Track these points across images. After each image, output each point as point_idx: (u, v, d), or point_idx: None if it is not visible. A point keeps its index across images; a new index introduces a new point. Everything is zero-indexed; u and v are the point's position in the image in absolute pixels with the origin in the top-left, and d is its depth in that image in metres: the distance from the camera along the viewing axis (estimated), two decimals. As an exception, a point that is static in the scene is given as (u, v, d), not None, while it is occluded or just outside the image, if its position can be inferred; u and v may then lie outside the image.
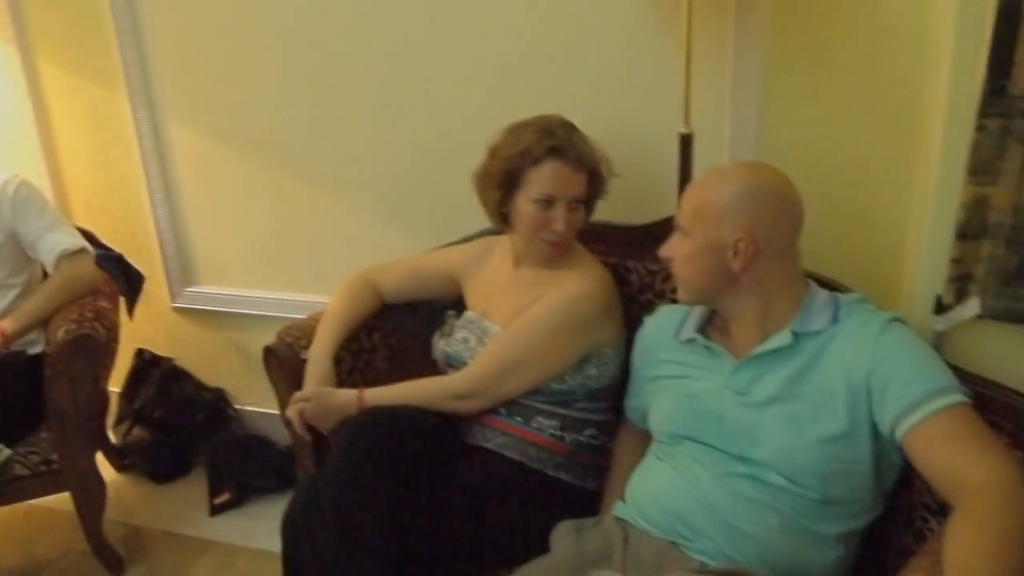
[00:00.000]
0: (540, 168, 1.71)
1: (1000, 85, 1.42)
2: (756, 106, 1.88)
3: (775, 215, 1.46)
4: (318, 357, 1.87)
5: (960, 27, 1.44)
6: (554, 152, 1.71)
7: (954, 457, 1.28)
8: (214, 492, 2.57)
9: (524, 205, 1.74)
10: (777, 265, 1.48)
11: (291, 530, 1.67)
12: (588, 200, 1.79)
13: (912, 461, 1.35)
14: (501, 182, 1.76)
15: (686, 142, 1.82)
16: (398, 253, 2.09)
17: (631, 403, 1.76)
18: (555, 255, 1.78)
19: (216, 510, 2.54)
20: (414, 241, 2.21)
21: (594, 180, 1.78)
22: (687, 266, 1.51)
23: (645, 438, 1.67)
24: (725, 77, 1.89)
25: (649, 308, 1.76)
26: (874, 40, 1.75)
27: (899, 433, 1.34)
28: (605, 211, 1.90)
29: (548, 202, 1.72)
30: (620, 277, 1.88)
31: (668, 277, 1.85)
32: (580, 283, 1.75)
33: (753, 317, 1.50)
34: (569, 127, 1.75)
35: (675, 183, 1.84)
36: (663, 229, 1.85)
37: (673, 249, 1.53)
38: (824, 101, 1.84)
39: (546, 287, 1.77)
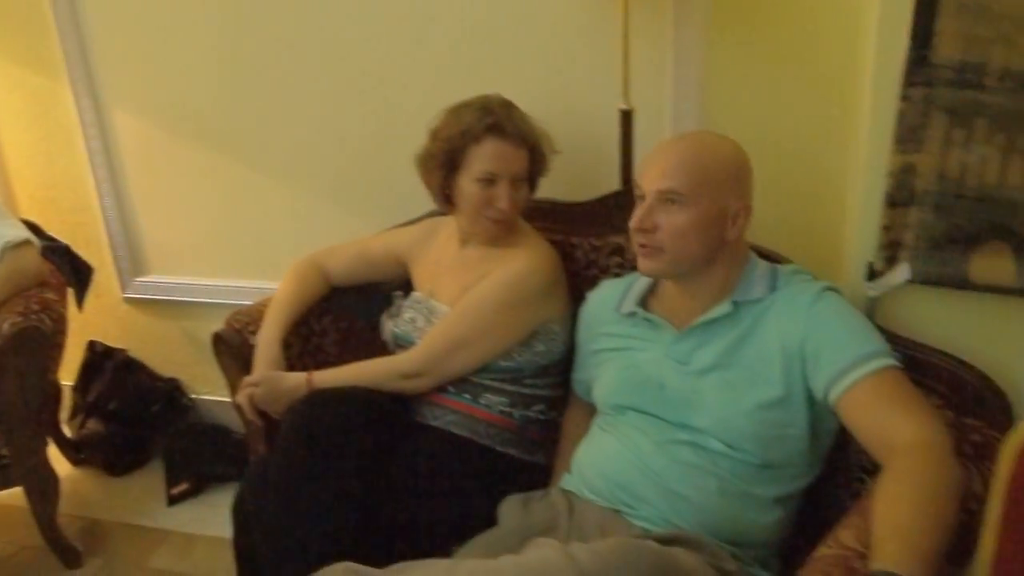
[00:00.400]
0: (481, 147, 1.72)
1: (922, 55, 1.45)
2: (696, 81, 1.91)
3: (752, 183, 1.52)
4: (266, 342, 1.87)
5: (883, -2, 1.47)
6: (493, 130, 1.72)
7: (884, 419, 1.32)
8: (171, 482, 2.56)
9: (467, 185, 1.75)
10: (739, 235, 1.52)
11: (241, 514, 1.68)
12: (531, 177, 1.81)
13: (845, 424, 1.39)
14: (443, 163, 1.77)
15: (626, 118, 1.84)
16: (346, 237, 2.10)
17: (577, 377, 1.78)
18: (500, 233, 1.79)
19: (174, 500, 2.54)
20: (362, 224, 2.21)
21: (535, 157, 1.78)
22: (684, 236, 1.46)
23: (592, 412, 1.69)
24: (665, 53, 1.91)
25: (594, 283, 1.78)
26: (808, 13, 1.78)
27: (832, 397, 1.38)
28: (549, 189, 1.91)
29: (490, 180, 1.73)
30: (565, 253, 1.90)
31: (614, 252, 1.88)
32: (525, 260, 1.77)
33: (712, 287, 1.52)
34: (508, 105, 1.76)
35: (617, 159, 1.86)
36: (607, 205, 1.89)
37: (663, 219, 1.46)
38: (763, 74, 1.87)
39: (492, 265, 1.79)
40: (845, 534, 1.29)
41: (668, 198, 1.45)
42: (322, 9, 2.16)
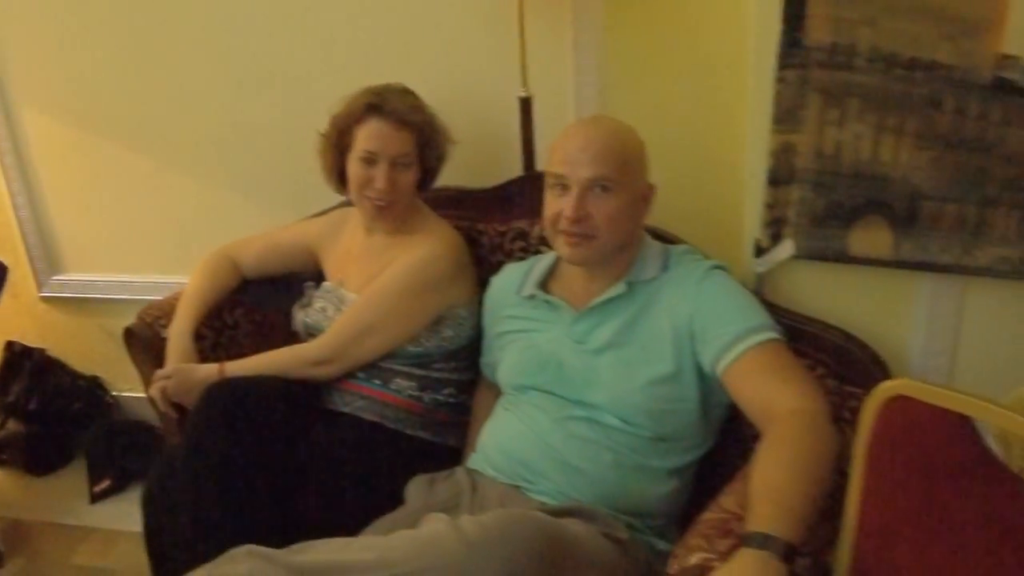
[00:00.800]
0: (363, 127, 1.76)
1: (795, 38, 1.51)
2: (596, 68, 1.94)
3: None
4: (178, 334, 1.88)
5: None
6: (373, 110, 1.75)
7: (765, 388, 1.38)
8: (94, 480, 2.55)
9: (351, 164, 1.78)
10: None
11: (150, 503, 1.69)
12: (423, 162, 1.82)
13: (731, 395, 1.45)
14: (334, 144, 1.81)
15: (526, 105, 1.88)
16: (260, 229, 2.10)
17: (485, 360, 1.82)
18: (381, 215, 1.81)
19: (96, 497, 2.53)
20: (274, 217, 2.22)
21: (422, 141, 1.80)
22: (616, 221, 1.49)
23: (500, 393, 1.73)
24: (565, 40, 1.94)
25: (500, 268, 1.82)
26: (702, 4, 1.83)
27: (719, 370, 1.44)
28: (454, 176, 1.94)
29: (371, 160, 1.76)
30: (472, 239, 1.94)
31: (517, 236, 1.92)
32: (429, 246, 1.80)
33: (612, 269, 1.56)
34: (398, 91, 1.79)
35: (518, 146, 1.90)
36: (510, 191, 1.93)
37: (594, 207, 1.48)
38: (659, 61, 1.91)
39: (397, 252, 1.82)
40: (727, 499, 1.35)
41: (599, 185, 1.48)
42: (229, 4, 2.16)
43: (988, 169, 1.50)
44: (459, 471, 1.64)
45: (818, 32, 1.50)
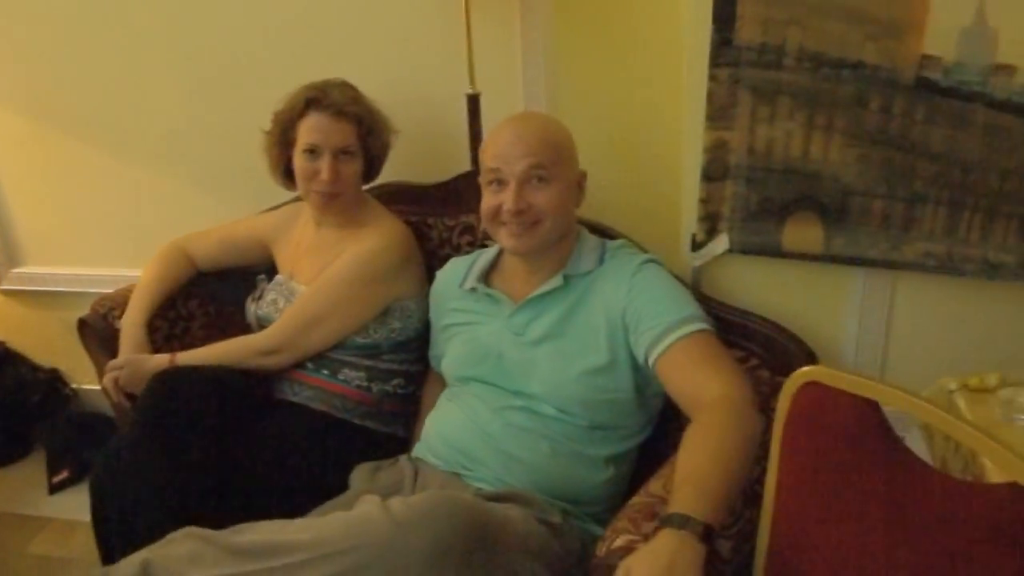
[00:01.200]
0: (304, 121, 1.80)
1: (726, 37, 1.56)
2: (544, 66, 1.98)
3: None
4: (131, 325, 1.91)
5: (691, -17, 1.57)
6: (312, 104, 1.79)
7: (693, 377, 1.42)
8: (53, 471, 2.56)
9: (296, 158, 1.82)
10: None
11: (98, 491, 1.71)
12: (366, 153, 1.86)
13: (663, 385, 1.48)
14: (278, 140, 1.85)
15: (474, 102, 1.91)
16: (217, 223, 2.12)
17: (432, 352, 1.85)
18: (328, 206, 1.84)
19: (55, 488, 2.54)
20: (233, 211, 2.23)
21: (365, 131, 1.83)
22: (559, 211, 1.54)
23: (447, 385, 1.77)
24: (513, 38, 1.98)
25: (447, 261, 1.85)
26: (641, 6, 1.86)
27: (651, 361, 1.48)
28: (403, 172, 1.99)
29: (313, 152, 1.79)
30: (421, 233, 1.97)
31: (465, 231, 1.96)
32: (377, 239, 1.83)
33: (551, 262, 1.61)
34: (337, 85, 1.83)
35: (467, 142, 1.93)
36: (458, 186, 1.96)
37: (534, 196, 1.52)
38: (604, 60, 1.94)
39: (346, 245, 1.85)
40: (655, 484, 1.40)
41: (536, 175, 1.52)
42: (181, 3, 2.18)
43: (913, 166, 1.55)
44: (403, 459, 1.67)
45: (748, 32, 1.55)
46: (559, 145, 1.56)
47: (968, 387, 1.47)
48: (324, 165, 1.78)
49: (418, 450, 1.68)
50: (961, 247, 1.56)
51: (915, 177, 1.56)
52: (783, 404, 1.21)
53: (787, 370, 1.55)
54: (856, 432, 1.13)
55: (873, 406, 1.12)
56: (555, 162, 1.53)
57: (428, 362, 1.89)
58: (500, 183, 1.54)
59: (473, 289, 1.69)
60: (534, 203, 1.52)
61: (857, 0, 1.49)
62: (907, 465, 1.11)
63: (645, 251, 1.65)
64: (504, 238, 1.58)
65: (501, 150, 1.54)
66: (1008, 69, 1.47)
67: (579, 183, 1.61)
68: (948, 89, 1.49)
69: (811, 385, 1.18)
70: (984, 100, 1.48)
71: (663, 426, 1.64)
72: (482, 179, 1.58)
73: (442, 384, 1.80)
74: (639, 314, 1.50)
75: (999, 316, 1.62)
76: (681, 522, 1.14)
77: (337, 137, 1.79)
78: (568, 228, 1.61)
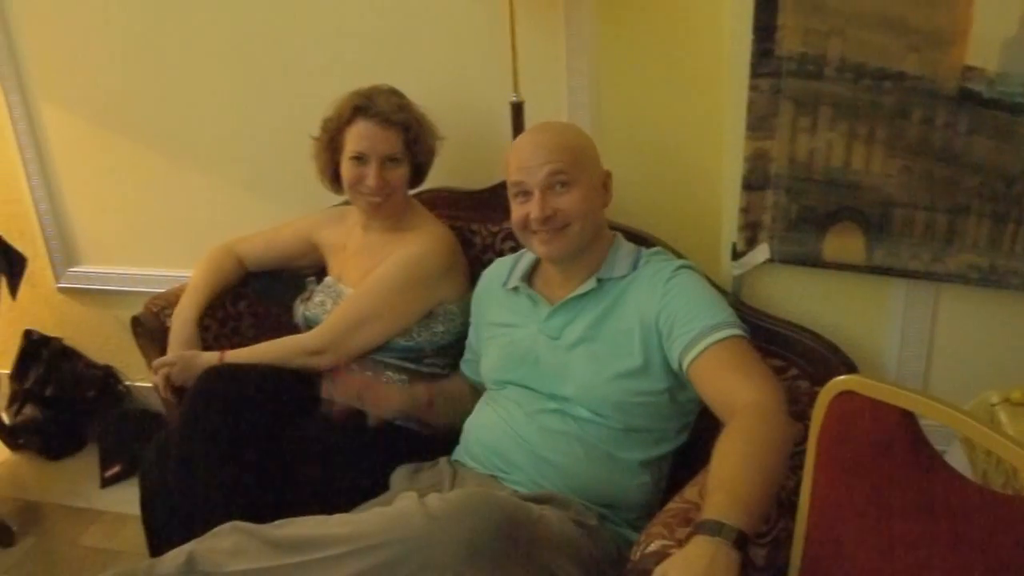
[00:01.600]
0: (351, 128, 1.84)
1: (767, 48, 1.56)
2: (588, 74, 2.00)
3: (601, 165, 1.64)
4: (181, 322, 1.97)
5: (733, -5, 1.58)
6: (359, 111, 1.83)
7: (726, 382, 1.43)
8: (105, 465, 2.64)
9: (344, 165, 1.87)
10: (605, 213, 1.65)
11: (147, 485, 1.77)
12: (413, 160, 1.89)
13: (696, 390, 1.49)
14: (327, 146, 1.90)
15: (517, 110, 1.94)
16: (267, 225, 2.18)
17: (466, 358, 1.89)
18: (377, 211, 1.89)
19: (107, 482, 2.62)
20: (285, 214, 2.28)
21: (411, 138, 1.86)
22: (585, 213, 1.57)
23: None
24: (558, 47, 2.01)
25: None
26: (683, 10, 1.88)
27: (685, 365, 1.49)
28: (449, 179, 2.03)
29: (361, 159, 1.83)
30: (464, 239, 2.01)
31: (508, 236, 1.98)
32: (422, 243, 1.87)
33: (585, 267, 1.63)
34: (384, 92, 1.86)
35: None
36: (500, 192, 1.97)
37: (558, 201, 1.55)
38: (646, 71, 1.96)
39: (392, 248, 1.89)
40: (690, 490, 1.41)
41: (557, 181, 1.56)
42: (238, 7, 2.25)
43: (956, 178, 1.54)
44: (443, 461, 1.70)
45: (789, 43, 1.55)
46: (577, 148, 1.59)
47: (1010, 401, 1.45)
48: (371, 172, 1.82)
49: (457, 453, 1.71)
50: (1005, 260, 1.54)
51: (958, 189, 1.55)
52: (818, 413, 1.21)
53: (826, 381, 1.56)
54: (891, 442, 1.13)
55: (908, 417, 1.12)
56: (575, 165, 1.56)
57: (470, 366, 1.92)
58: (526, 194, 1.58)
59: (515, 288, 1.71)
60: (560, 207, 1.55)
61: (899, 10, 1.49)
62: (943, 477, 1.11)
63: (681, 257, 1.67)
64: (537, 246, 1.61)
65: (522, 162, 1.58)
66: (1053, 81, 1.46)
67: (604, 184, 1.63)
68: (991, 100, 1.48)
69: (847, 394, 1.18)
70: (1029, 112, 1.47)
71: (701, 434, 1.64)
72: (509, 193, 1.62)
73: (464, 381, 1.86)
74: (673, 319, 1.52)
75: (1043, 330, 1.61)
76: (715, 528, 1.15)
77: (383, 145, 1.83)
78: (598, 230, 1.63)
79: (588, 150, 1.62)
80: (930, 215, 1.58)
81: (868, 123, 1.55)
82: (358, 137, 1.83)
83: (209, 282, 2.04)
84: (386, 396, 1.74)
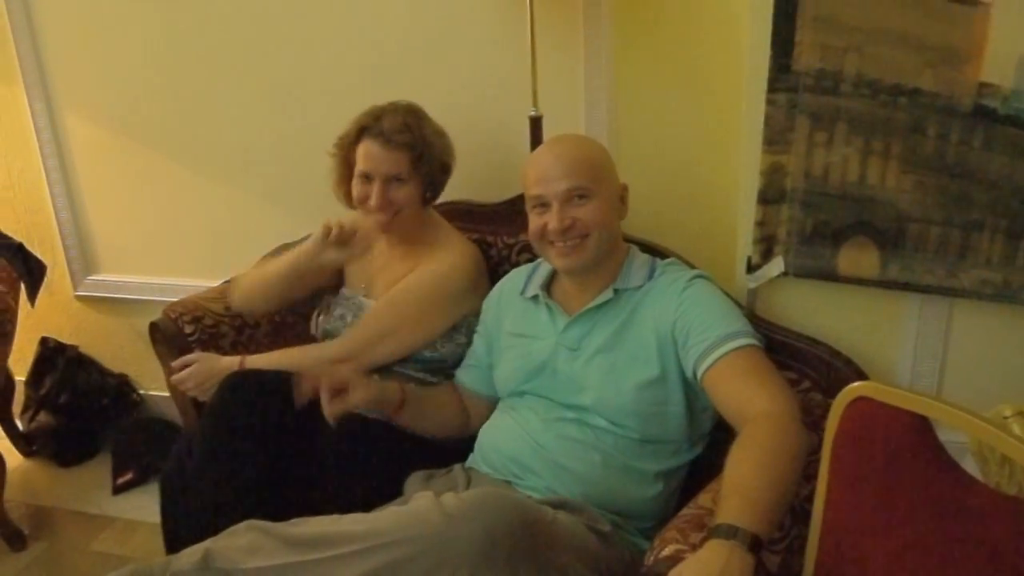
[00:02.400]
0: (359, 147, 1.88)
1: (785, 63, 1.59)
2: (606, 89, 2.03)
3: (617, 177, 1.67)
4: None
5: (751, 10, 1.60)
6: (365, 131, 1.87)
7: (740, 391, 1.45)
8: (117, 472, 2.66)
9: (353, 183, 1.90)
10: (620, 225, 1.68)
11: (168, 487, 1.78)
12: (423, 178, 1.90)
13: (711, 398, 1.51)
14: (340, 164, 1.94)
15: (536, 124, 1.97)
16: (289, 238, 2.20)
17: (468, 363, 1.88)
18: (385, 228, 1.90)
19: (119, 489, 2.63)
20: (302, 226, 2.30)
21: (417, 157, 1.87)
22: (603, 224, 1.60)
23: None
24: (577, 62, 2.04)
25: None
26: (700, 26, 1.91)
27: (699, 374, 1.50)
28: (467, 191, 2.06)
29: (366, 178, 1.86)
30: (482, 251, 2.02)
31: (524, 249, 2.00)
32: (448, 258, 1.89)
33: (601, 278, 1.65)
34: (393, 111, 1.88)
35: (528, 163, 1.99)
36: (518, 206, 2.00)
37: (577, 213, 1.57)
38: (665, 83, 1.99)
39: (417, 262, 1.92)
40: (704, 496, 1.42)
41: (577, 194, 1.58)
42: (260, 20, 2.29)
43: (971, 194, 1.56)
44: (456, 468, 1.71)
45: (806, 58, 1.58)
46: (595, 161, 1.61)
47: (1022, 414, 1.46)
48: (374, 191, 1.85)
49: (471, 460, 1.72)
50: (1018, 275, 1.55)
51: (972, 205, 1.56)
52: (833, 419, 1.23)
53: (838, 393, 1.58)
54: (904, 447, 1.14)
55: (922, 421, 1.13)
56: (594, 179, 1.59)
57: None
58: (544, 206, 1.60)
59: (534, 297, 1.73)
60: (578, 217, 1.58)
61: (915, 28, 1.51)
62: (957, 481, 1.11)
63: (695, 267, 1.69)
64: (554, 258, 1.63)
65: (541, 175, 1.61)
66: (1067, 98, 1.48)
67: (621, 196, 1.66)
68: (1006, 117, 1.50)
69: (861, 401, 1.20)
70: (1043, 129, 1.49)
71: (715, 447, 1.65)
72: (527, 205, 1.65)
73: (453, 393, 1.87)
74: (688, 328, 1.53)
75: (1057, 344, 1.62)
76: (729, 532, 1.16)
77: (387, 165, 1.84)
78: (615, 242, 1.65)
79: (606, 163, 1.65)
80: (944, 230, 1.59)
81: (883, 139, 1.57)
82: (364, 157, 1.86)
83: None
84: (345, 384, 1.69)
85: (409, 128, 1.86)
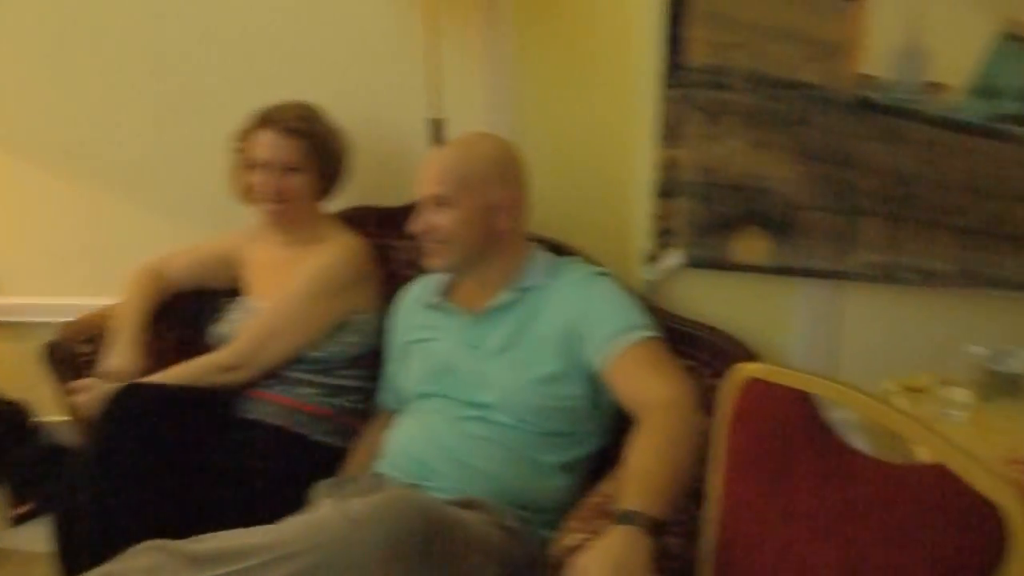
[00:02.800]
0: (255, 137, 1.89)
1: (677, 60, 1.63)
2: (508, 91, 2.03)
3: (521, 176, 1.68)
4: (127, 363, 1.91)
5: (642, 9, 1.64)
6: (260, 122, 1.89)
7: (639, 382, 1.49)
8: (16, 503, 2.54)
9: (249, 173, 1.90)
10: (522, 224, 1.69)
11: (59, 514, 1.72)
12: (320, 170, 1.91)
13: (612, 390, 1.54)
14: (239, 158, 1.93)
15: (436, 126, 1.96)
16: (180, 249, 2.15)
17: (385, 386, 1.87)
18: (276, 220, 1.91)
19: (18, 521, 2.52)
20: (194, 237, 2.24)
21: (314, 148, 1.89)
22: (458, 233, 1.62)
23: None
24: (478, 65, 2.04)
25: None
26: (598, 25, 1.93)
27: (600, 367, 1.54)
28: (370, 196, 2.04)
29: (260, 166, 1.87)
30: (385, 256, 2.01)
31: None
32: (331, 253, 1.89)
33: (496, 275, 1.67)
34: (291, 105, 1.90)
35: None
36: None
37: (436, 220, 1.62)
38: (564, 81, 2.00)
39: (303, 261, 1.90)
40: (606, 484, 1.46)
41: (437, 201, 1.62)
42: (148, 28, 2.24)
43: (854, 181, 1.62)
44: (365, 474, 1.69)
45: (696, 55, 1.62)
46: (464, 171, 1.63)
47: (907, 388, 1.52)
48: (269, 179, 1.85)
49: (379, 466, 1.70)
50: (902, 257, 1.62)
51: (856, 191, 1.62)
52: (724, 401, 1.26)
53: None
54: (791, 423, 1.18)
55: (806, 397, 1.17)
56: (458, 188, 1.61)
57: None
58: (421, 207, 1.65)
59: (432, 304, 1.74)
60: (433, 224, 1.63)
61: (798, 23, 1.56)
62: (842, 452, 1.16)
63: (598, 265, 1.71)
64: (423, 257, 1.68)
65: (419, 176, 1.66)
66: (940, 87, 1.55)
67: (500, 205, 1.64)
68: (885, 107, 1.56)
69: (752, 382, 1.23)
70: (919, 117, 1.56)
71: (623, 436, 1.67)
72: None
73: (385, 427, 1.82)
74: (590, 323, 1.57)
75: (938, 321, 1.69)
76: (629, 517, 1.20)
77: (282, 152, 1.86)
78: (485, 245, 1.65)
79: (481, 174, 1.64)
80: (831, 217, 1.65)
81: (771, 131, 1.62)
82: (259, 145, 1.87)
83: (141, 306, 1.99)
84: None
85: (306, 119, 1.89)
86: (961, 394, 1.48)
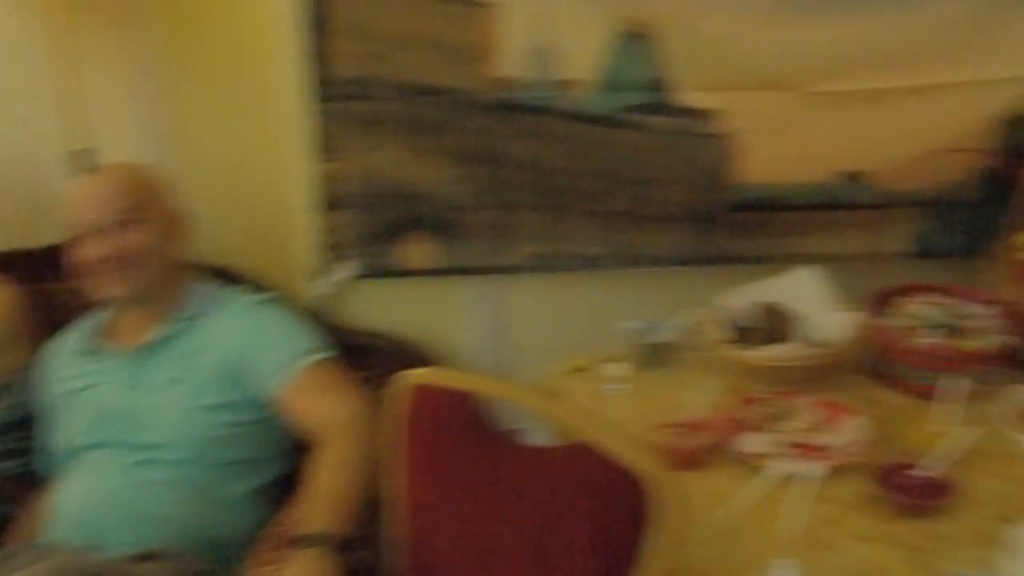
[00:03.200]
0: None
1: (323, 74, 1.63)
2: (160, 117, 1.90)
3: (175, 204, 1.61)
4: None
5: (280, 25, 1.62)
6: None
7: (313, 406, 1.49)
8: None
9: None
10: (181, 254, 1.61)
11: None
12: None
13: (287, 418, 1.52)
14: None
15: (82, 158, 1.82)
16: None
17: (41, 446, 1.70)
18: None
19: None
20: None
21: None
22: (155, 249, 1.54)
23: None
24: (127, 92, 1.91)
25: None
26: (247, 42, 1.86)
27: (272, 397, 1.52)
28: (10, 239, 1.85)
29: None
30: (40, 303, 1.82)
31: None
32: None
33: (162, 309, 1.59)
34: None
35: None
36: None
37: (128, 239, 1.52)
38: (224, 107, 1.92)
39: None
40: (292, 510, 1.42)
41: (126, 218, 1.52)
42: None
43: (507, 178, 1.70)
44: (32, 544, 1.53)
45: (342, 68, 1.64)
46: (141, 191, 1.57)
47: (575, 368, 1.62)
48: None
49: (47, 534, 1.54)
50: (556, 246, 1.72)
51: (510, 188, 1.71)
52: (394, 409, 1.27)
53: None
54: (455, 424, 1.22)
55: (464, 397, 1.21)
56: (142, 205, 1.55)
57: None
58: (90, 236, 1.54)
59: (83, 351, 1.62)
60: (128, 245, 1.53)
61: (433, 31, 1.61)
62: (503, 446, 1.21)
63: (264, 291, 1.68)
64: (101, 288, 1.57)
65: (79, 206, 1.56)
66: (571, 84, 1.66)
67: (169, 232, 1.59)
68: (523, 106, 1.65)
69: (416, 388, 1.24)
70: (555, 113, 1.66)
71: (305, 460, 1.64)
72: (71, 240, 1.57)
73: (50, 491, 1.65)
74: (256, 354, 1.54)
75: (598, 302, 1.81)
76: (314, 540, 1.22)
77: None
78: (165, 272, 1.58)
79: (151, 195, 1.59)
80: (490, 215, 1.72)
81: (424, 137, 1.67)
82: None
83: None
84: None
85: None
86: (619, 368, 1.59)
